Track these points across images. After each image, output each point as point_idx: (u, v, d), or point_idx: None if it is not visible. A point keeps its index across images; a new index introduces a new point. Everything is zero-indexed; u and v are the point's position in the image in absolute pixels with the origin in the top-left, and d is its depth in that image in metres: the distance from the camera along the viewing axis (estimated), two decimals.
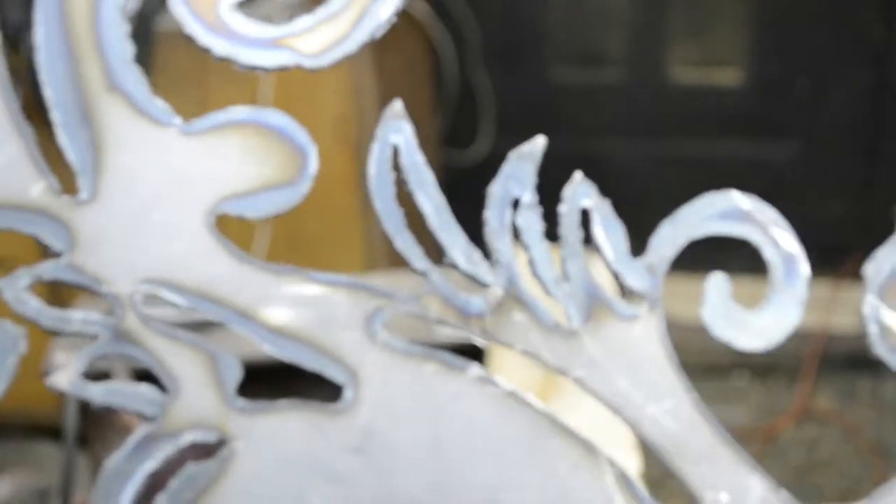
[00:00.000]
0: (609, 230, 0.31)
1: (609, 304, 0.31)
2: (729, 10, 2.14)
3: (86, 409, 1.11)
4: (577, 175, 0.31)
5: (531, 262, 0.30)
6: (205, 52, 0.30)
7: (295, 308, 0.31)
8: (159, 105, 0.31)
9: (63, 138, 0.31)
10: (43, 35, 0.31)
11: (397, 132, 0.31)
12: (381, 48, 1.65)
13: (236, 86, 1.66)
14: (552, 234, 0.32)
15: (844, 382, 1.78)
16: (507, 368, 0.97)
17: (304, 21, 0.30)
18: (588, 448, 0.31)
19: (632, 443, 0.83)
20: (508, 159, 0.31)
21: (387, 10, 0.29)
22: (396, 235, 0.31)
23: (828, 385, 1.78)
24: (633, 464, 0.80)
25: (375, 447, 0.31)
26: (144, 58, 1.66)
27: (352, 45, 0.30)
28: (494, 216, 0.31)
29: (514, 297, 0.31)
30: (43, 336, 1.52)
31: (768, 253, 0.30)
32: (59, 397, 1.17)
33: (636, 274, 0.31)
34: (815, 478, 1.63)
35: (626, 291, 0.31)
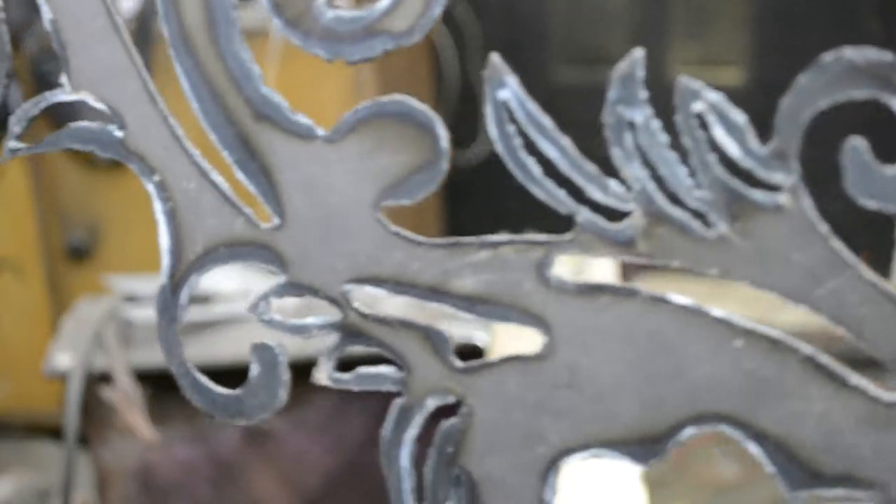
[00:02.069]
0: (729, 127, 0.30)
1: (750, 199, 0.30)
2: (729, 10, 2.14)
3: (86, 409, 1.11)
4: (681, 80, 0.31)
5: (662, 180, 0.31)
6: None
7: (475, 274, 0.33)
8: (301, 121, 0.33)
9: (239, 174, 0.34)
10: (188, 84, 0.33)
11: (502, 87, 0.32)
12: None
13: None
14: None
15: None
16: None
17: (385, 1, 0.31)
18: (773, 341, 0.32)
19: None
20: (611, 84, 0.31)
21: None
22: (535, 186, 0.32)
23: None
24: None
25: (583, 380, 0.33)
26: (144, 58, 1.66)
27: (437, 7, 0.30)
28: (616, 144, 0.31)
29: (657, 216, 0.31)
30: (43, 337, 1.53)
31: None
32: (60, 397, 1.17)
33: (769, 164, 0.30)
34: None
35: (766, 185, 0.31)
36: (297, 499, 1.06)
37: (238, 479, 1.08)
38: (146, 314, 1.11)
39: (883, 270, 2.07)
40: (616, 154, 0.31)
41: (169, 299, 0.36)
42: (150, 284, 1.14)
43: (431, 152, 0.32)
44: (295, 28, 0.32)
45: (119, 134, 0.34)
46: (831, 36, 2.07)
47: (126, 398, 1.07)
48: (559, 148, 0.32)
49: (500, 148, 0.31)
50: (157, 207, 0.35)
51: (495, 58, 0.32)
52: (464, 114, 2.10)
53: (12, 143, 0.35)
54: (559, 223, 0.34)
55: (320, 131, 0.33)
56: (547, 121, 0.32)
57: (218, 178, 0.34)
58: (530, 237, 0.33)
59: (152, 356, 1.07)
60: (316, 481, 1.04)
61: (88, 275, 1.70)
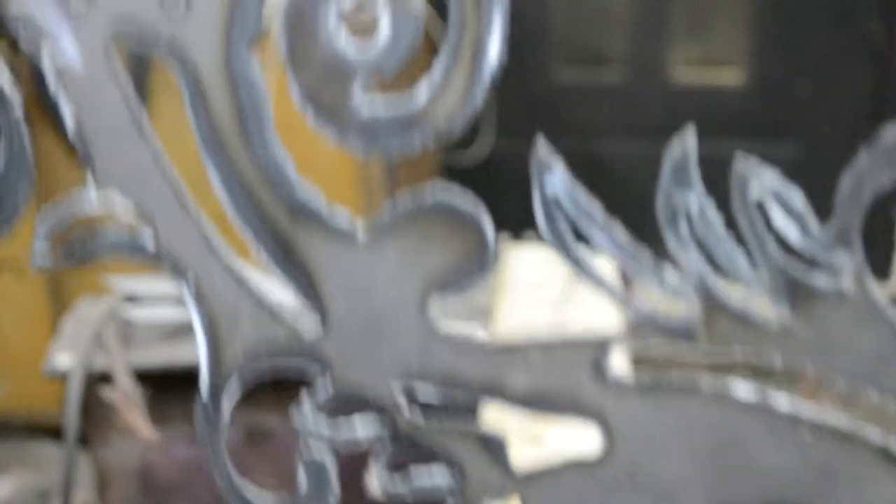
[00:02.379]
0: (787, 211, 0.30)
1: (812, 286, 0.30)
2: (730, 10, 2.14)
3: (86, 409, 1.11)
4: (737, 163, 0.30)
5: (719, 268, 0.30)
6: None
7: (529, 373, 0.32)
8: (340, 220, 0.32)
9: (279, 275, 0.33)
10: (219, 182, 0.32)
11: (550, 176, 0.31)
12: None
13: None
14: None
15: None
16: None
17: (423, 91, 0.30)
18: (842, 433, 0.31)
19: None
20: (663, 170, 0.30)
21: (495, 46, 0.28)
22: (589, 277, 0.31)
23: None
24: None
25: (645, 479, 0.32)
26: (143, 61, 1.66)
27: (478, 97, 0.29)
28: (670, 231, 0.31)
29: (716, 304, 0.31)
30: (43, 337, 1.53)
31: None
32: (60, 397, 1.17)
33: (830, 247, 0.29)
34: None
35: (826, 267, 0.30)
36: None
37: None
38: (146, 314, 1.11)
39: (883, 270, 2.07)
40: (670, 241, 0.31)
41: (211, 414, 0.34)
42: (150, 284, 1.14)
43: (477, 245, 0.31)
44: (328, 121, 0.30)
45: (149, 236, 0.33)
46: (831, 36, 2.07)
47: (126, 398, 1.07)
48: (611, 238, 0.31)
49: (549, 239, 0.31)
50: (193, 313, 0.33)
51: (542, 143, 0.31)
52: None
53: (40, 252, 0.35)
54: None
55: (360, 230, 0.32)
56: (598, 210, 0.31)
57: (255, 282, 0.33)
58: (584, 335, 0.32)
59: (152, 356, 1.07)
60: None
61: (88, 275, 1.70)
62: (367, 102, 0.30)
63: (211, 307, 0.33)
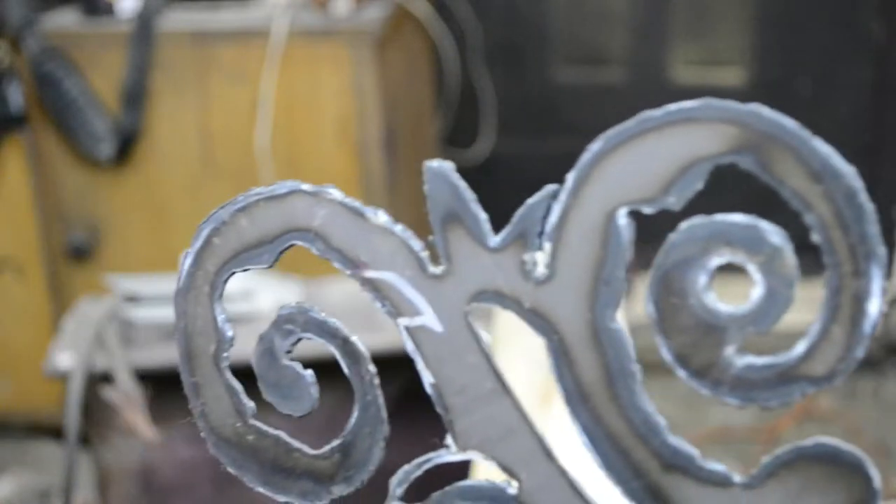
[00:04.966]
0: None
1: None
2: (730, 10, 2.14)
3: (87, 409, 1.11)
4: None
5: None
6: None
7: None
8: (716, 468, 0.32)
9: None
10: (587, 440, 0.33)
11: None
12: (382, 47, 1.65)
13: (237, 86, 1.66)
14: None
15: (846, 382, 1.77)
16: (509, 367, 0.97)
17: (800, 344, 0.30)
18: None
19: None
20: None
21: (875, 303, 0.28)
22: None
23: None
24: None
25: None
26: (144, 58, 1.66)
27: (859, 351, 0.29)
28: None
29: None
30: (44, 337, 1.52)
31: None
32: (61, 397, 1.17)
33: None
34: None
35: None
36: None
37: (239, 479, 1.08)
38: (146, 314, 1.11)
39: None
40: None
41: None
42: (151, 284, 1.14)
43: (863, 493, 0.31)
44: (703, 378, 0.31)
45: (513, 491, 0.33)
46: (831, 36, 2.07)
47: (127, 398, 1.07)
48: None
49: None
50: None
51: None
52: (464, 114, 2.10)
53: None
54: None
55: (737, 478, 0.31)
56: None
57: None
58: None
59: (153, 356, 1.07)
60: None
61: (89, 275, 1.70)
62: (740, 357, 0.30)
63: None
